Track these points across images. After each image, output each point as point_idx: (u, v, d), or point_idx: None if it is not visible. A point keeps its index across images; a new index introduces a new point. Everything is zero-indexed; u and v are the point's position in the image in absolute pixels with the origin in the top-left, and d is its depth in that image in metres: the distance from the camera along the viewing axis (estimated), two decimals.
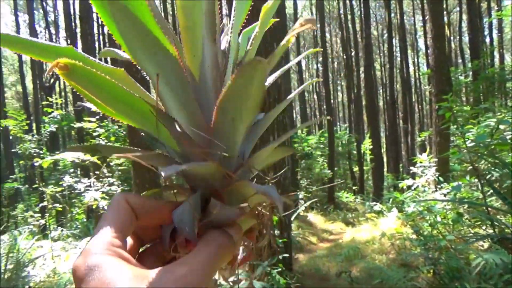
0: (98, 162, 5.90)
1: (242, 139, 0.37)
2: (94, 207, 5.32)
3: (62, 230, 6.28)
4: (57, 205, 5.49)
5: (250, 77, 0.29)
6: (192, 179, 0.36)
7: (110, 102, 0.32)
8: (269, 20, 0.43)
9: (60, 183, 5.45)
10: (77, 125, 5.79)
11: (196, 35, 0.35)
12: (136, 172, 4.83)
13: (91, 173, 6.99)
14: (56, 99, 5.73)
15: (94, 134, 6.14)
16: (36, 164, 4.83)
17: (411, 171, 7.09)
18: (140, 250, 0.36)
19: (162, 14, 0.39)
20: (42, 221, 5.48)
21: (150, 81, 0.36)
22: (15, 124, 5.14)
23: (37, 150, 5.30)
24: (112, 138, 6.61)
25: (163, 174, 0.27)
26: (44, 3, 18.49)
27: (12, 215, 9.02)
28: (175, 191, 0.37)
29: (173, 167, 0.29)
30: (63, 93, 20.14)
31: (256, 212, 0.40)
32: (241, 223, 0.36)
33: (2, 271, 3.81)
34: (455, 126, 4.46)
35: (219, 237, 0.32)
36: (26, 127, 5.26)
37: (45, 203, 5.25)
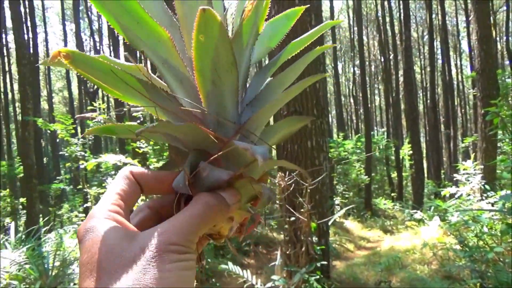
0: (139, 165, 6.09)
1: (233, 104, 0.37)
2: (134, 208, 5.49)
3: None
4: None
5: (205, 29, 0.30)
6: (188, 146, 0.37)
7: (112, 84, 0.35)
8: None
9: (103, 184, 5.67)
10: (151, 126, 5.99)
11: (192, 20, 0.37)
12: None
13: None
14: (99, 104, 5.97)
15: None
16: (82, 166, 5.06)
17: (454, 179, 6.78)
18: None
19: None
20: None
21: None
22: (62, 128, 5.41)
23: (82, 153, 5.55)
24: (151, 142, 6.80)
25: (137, 131, 0.31)
26: (89, 13, 19.43)
27: (58, 214, 9.49)
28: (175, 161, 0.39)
29: (149, 127, 0.32)
30: (105, 98, 21.02)
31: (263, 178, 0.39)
32: (243, 188, 0.36)
33: (50, 267, 4.01)
34: (504, 132, 4.23)
35: (207, 197, 0.33)
36: (73, 131, 5.52)
37: (89, 204, 5.47)
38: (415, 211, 7.14)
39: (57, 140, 14.88)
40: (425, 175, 15.01)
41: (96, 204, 0.32)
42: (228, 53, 0.32)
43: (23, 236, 4.98)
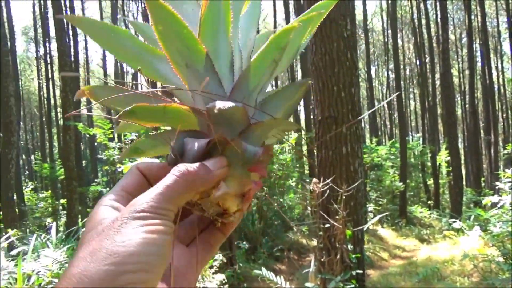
0: None
1: (215, 81, 0.38)
2: None
3: None
4: None
5: (160, 20, 0.34)
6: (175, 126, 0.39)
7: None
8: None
9: None
10: (154, 134, 6.15)
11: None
12: None
13: None
14: None
15: None
16: (119, 169, 5.23)
17: (496, 187, 6.47)
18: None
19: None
20: None
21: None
22: (101, 132, 5.61)
23: (119, 157, 5.72)
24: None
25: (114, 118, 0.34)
26: (126, 21, 20.12)
27: None
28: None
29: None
30: None
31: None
32: (231, 154, 0.36)
33: None
34: None
35: (182, 166, 0.33)
36: (111, 135, 5.70)
37: None
38: (453, 220, 6.86)
39: (95, 144, 15.45)
40: (464, 182, 14.41)
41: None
42: (189, 36, 0.34)
43: (64, 236, 5.19)
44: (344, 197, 2.64)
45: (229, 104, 0.34)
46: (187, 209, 0.38)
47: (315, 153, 3.46)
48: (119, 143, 5.94)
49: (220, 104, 0.33)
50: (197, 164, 0.33)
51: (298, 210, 9.42)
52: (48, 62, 18.73)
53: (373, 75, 27.73)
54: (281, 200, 7.77)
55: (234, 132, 0.36)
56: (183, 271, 0.35)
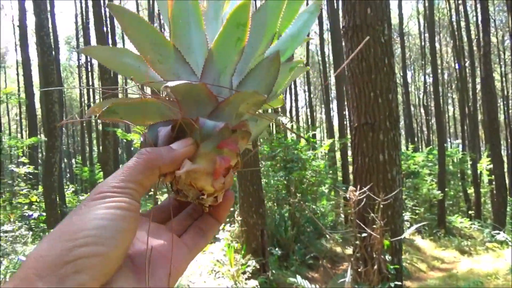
0: None
1: (187, 71, 0.39)
2: None
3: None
4: None
5: (126, 23, 0.36)
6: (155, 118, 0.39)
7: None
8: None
9: None
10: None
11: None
12: (240, 185, 5.05)
13: None
14: None
15: None
16: None
17: None
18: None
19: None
20: None
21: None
22: (138, 138, 5.79)
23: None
24: None
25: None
26: (162, 29, 20.73)
27: None
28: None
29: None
30: None
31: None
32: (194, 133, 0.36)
33: None
34: None
35: (144, 149, 0.34)
36: None
37: None
38: (497, 231, 6.52)
39: (132, 149, 15.94)
40: (507, 192, 13.68)
41: None
42: (154, 32, 0.36)
43: None
44: (381, 206, 2.57)
45: (181, 81, 0.34)
46: (183, 202, 0.39)
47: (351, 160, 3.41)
48: None
49: (172, 83, 0.33)
50: (161, 147, 0.35)
51: (331, 217, 9.28)
52: (89, 70, 19.58)
53: (409, 80, 27.00)
54: (313, 206, 7.69)
55: (204, 113, 0.37)
56: (168, 256, 0.34)
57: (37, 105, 17.58)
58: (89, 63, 19.55)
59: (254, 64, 0.40)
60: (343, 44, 3.56)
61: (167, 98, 0.39)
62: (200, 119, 0.35)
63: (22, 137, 18.36)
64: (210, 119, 0.36)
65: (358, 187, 2.70)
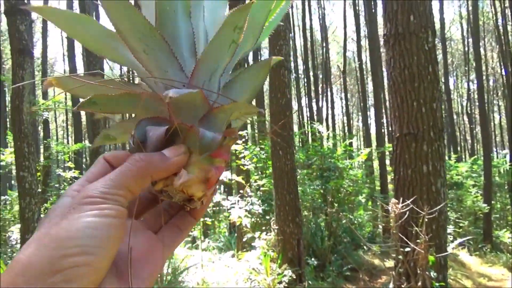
0: (243, 182, 6.34)
1: (175, 66, 0.37)
2: (238, 224, 5.70)
3: (208, 242, 6.89)
4: (207, 219, 6.06)
5: (119, 10, 0.33)
6: (140, 114, 0.38)
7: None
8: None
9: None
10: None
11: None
12: (277, 193, 5.03)
13: (233, 191, 7.48)
14: None
15: (240, 156, 6.64)
16: None
17: None
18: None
19: None
20: (194, 232, 6.11)
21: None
22: None
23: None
24: (255, 160, 7.04)
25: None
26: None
27: None
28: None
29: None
30: None
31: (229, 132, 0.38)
32: (190, 140, 0.35)
33: (164, 274, 4.36)
34: None
35: (137, 155, 0.33)
36: None
37: None
38: None
39: None
40: None
41: None
42: (142, 22, 0.33)
43: None
44: (426, 220, 2.48)
45: (183, 91, 0.33)
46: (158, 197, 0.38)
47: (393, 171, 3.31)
48: None
49: (174, 93, 0.32)
50: (154, 153, 0.34)
51: (369, 228, 9.04)
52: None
53: (452, 87, 25.97)
54: (350, 216, 7.53)
55: (196, 118, 0.36)
56: (147, 256, 0.34)
57: (82, 112, 18.40)
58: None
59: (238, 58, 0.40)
60: (384, 52, 3.49)
61: (154, 93, 0.37)
62: (200, 130, 0.35)
63: (68, 143, 19.30)
64: (203, 126, 0.36)
65: (401, 199, 2.62)
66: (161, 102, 0.34)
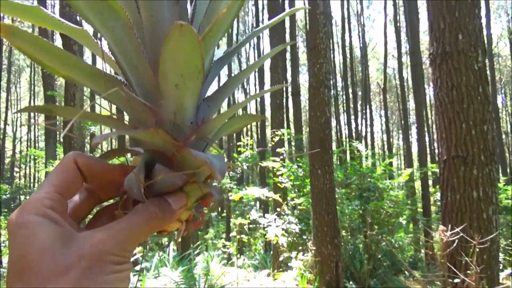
0: (280, 200, 6.29)
1: (193, 105, 0.35)
2: (274, 242, 5.64)
3: (244, 259, 6.86)
4: (244, 236, 6.05)
5: (179, 41, 0.29)
6: (143, 143, 0.36)
7: (56, 64, 0.34)
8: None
9: (248, 216, 6.01)
10: (264, 164, 6.36)
11: None
12: (315, 213, 4.94)
13: (270, 209, 7.44)
14: (247, 140, 6.51)
15: (278, 173, 6.61)
16: (231, 198, 5.49)
17: None
18: (99, 208, 0.37)
19: None
20: (230, 249, 6.11)
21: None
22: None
23: (231, 185, 6.03)
24: (292, 178, 6.98)
25: (93, 140, 0.28)
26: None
27: (204, 238, 10.40)
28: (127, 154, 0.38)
29: (103, 135, 0.29)
30: (249, 133, 22.70)
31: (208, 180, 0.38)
32: (191, 190, 0.35)
33: None
34: None
35: (152, 207, 0.32)
36: None
37: (234, 233, 5.84)
38: None
39: None
40: None
41: (33, 194, 0.30)
42: (197, 62, 0.31)
43: (178, 257, 5.58)
44: (477, 250, 2.33)
45: (221, 174, 0.32)
46: (98, 199, 0.36)
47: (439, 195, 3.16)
48: (231, 172, 6.26)
49: (222, 174, 0.32)
50: (165, 204, 0.33)
51: (410, 252, 8.64)
52: None
53: (500, 105, 24.71)
54: (391, 239, 7.24)
55: (191, 168, 0.35)
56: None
57: None
58: None
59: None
60: (428, 69, 3.38)
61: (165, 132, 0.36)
62: (211, 186, 0.36)
63: None
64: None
65: (449, 226, 2.49)
66: (171, 141, 0.34)
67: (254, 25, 18.37)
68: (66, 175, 0.32)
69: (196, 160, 0.33)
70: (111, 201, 0.38)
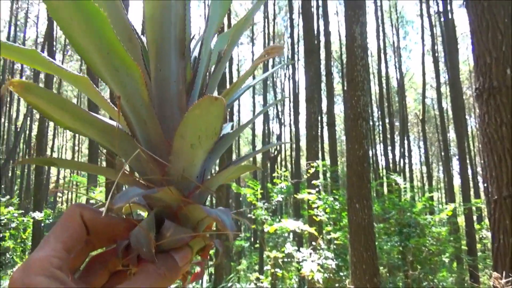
0: (315, 233, 6.14)
1: (202, 162, 0.37)
2: (309, 278, 5.46)
3: None
4: (278, 270, 5.91)
5: (207, 110, 0.30)
6: (149, 198, 0.36)
7: (67, 119, 0.34)
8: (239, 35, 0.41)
9: (282, 249, 5.90)
10: (299, 196, 6.27)
11: (163, 48, 0.36)
12: (353, 250, 4.77)
13: (304, 242, 7.23)
14: (283, 171, 6.47)
15: (313, 205, 6.49)
16: (266, 230, 5.43)
17: None
18: (92, 254, 0.36)
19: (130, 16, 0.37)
20: (264, 283, 5.98)
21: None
22: (251, 192, 5.98)
23: (266, 217, 5.97)
24: (328, 210, 6.82)
25: (114, 203, 0.29)
26: (275, 87, 21.81)
27: (237, 269, 10.26)
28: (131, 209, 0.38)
29: (124, 196, 0.30)
30: (283, 162, 22.63)
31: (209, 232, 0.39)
32: (195, 243, 0.36)
33: None
34: None
35: (161, 266, 0.31)
36: (260, 196, 6.03)
37: (268, 267, 5.72)
38: None
39: (240, 199, 16.54)
40: None
41: (38, 249, 0.29)
42: (217, 125, 0.32)
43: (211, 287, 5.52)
44: None
45: (232, 230, 0.33)
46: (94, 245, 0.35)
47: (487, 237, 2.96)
48: (266, 203, 6.22)
49: (232, 229, 0.33)
50: (172, 263, 0.33)
51: None
52: None
53: None
54: (433, 279, 6.84)
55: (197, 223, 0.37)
56: None
57: None
58: None
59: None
60: (476, 105, 3.27)
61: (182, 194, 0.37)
62: (214, 239, 0.37)
63: None
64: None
65: (503, 273, 2.31)
66: (179, 197, 0.35)
67: (290, 57, 18.66)
68: (72, 231, 0.31)
69: (207, 216, 0.34)
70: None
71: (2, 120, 15.14)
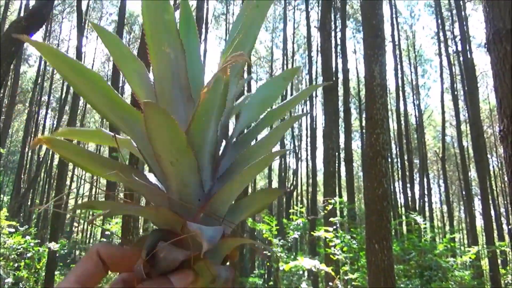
0: (332, 273, 5.96)
1: (195, 181, 0.36)
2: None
3: None
4: None
5: (153, 120, 0.33)
6: (156, 223, 0.37)
7: (87, 164, 0.39)
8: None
9: (296, 287, 5.72)
10: (316, 233, 6.15)
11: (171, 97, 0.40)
12: None
13: (320, 281, 7.00)
14: (300, 207, 6.39)
15: (331, 244, 6.34)
16: (281, 268, 5.31)
17: None
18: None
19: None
20: None
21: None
22: (267, 228, 5.91)
23: (281, 254, 5.85)
24: (345, 249, 6.64)
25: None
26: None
27: None
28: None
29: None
30: (299, 197, 22.36)
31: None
32: (201, 269, 0.34)
33: None
34: None
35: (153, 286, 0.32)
36: (275, 232, 5.94)
37: None
38: None
39: (255, 233, 16.28)
40: None
41: (58, 285, 0.32)
42: (179, 137, 0.33)
43: None
44: None
45: (216, 242, 0.33)
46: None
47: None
48: (282, 240, 6.11)
49: (210, 242, 0.31)
50: (164, 284, 0.32)
51: None
52: None
53: None
54: None
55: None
56: None
57: None
58: None
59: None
60: (502, 149, 3.22)
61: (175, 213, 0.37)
62: (216, 268, 0.35)
63: None
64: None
65: None
66: (175, 218, 0.35)
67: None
68: (87, 267, 0.34)
69: (190, 230, 0.33)
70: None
71: (26, 149, 15.63)
